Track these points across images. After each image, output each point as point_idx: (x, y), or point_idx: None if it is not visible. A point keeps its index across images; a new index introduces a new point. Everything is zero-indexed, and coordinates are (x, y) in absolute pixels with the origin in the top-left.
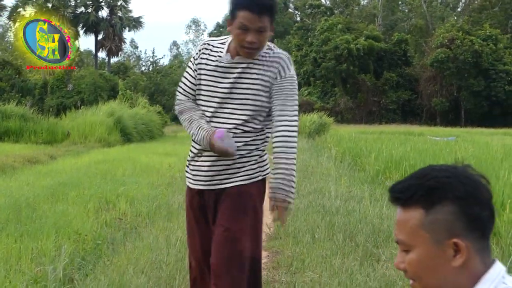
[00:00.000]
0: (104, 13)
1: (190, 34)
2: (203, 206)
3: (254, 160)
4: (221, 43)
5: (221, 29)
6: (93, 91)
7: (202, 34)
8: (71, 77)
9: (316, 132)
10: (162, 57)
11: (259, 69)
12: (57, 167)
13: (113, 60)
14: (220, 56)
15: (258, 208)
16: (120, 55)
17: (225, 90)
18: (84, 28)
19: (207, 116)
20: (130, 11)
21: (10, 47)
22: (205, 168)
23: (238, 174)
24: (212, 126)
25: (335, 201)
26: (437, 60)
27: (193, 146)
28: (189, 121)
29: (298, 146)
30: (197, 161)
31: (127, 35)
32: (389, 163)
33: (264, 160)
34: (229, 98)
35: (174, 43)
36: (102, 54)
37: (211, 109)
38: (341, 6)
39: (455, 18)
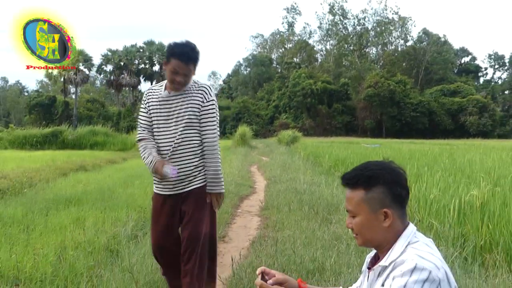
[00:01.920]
0: (156, 67)
1: (211, 81)
2: (170, 206)
3: (202, 167)
4: (160, 86)
5: (230, 77)
6: None
7: (219, 80)
8: (136, 108)
9: (291, 141)
10: None
11: (190, 97)
12: (128, 165)
13: None
14: (160, 93)
15: (208, 201)
16: None
17: (170, 116)
18: (144, 78)
19: (160, 136)
20: None
21: (97, 88)
22: (173, 178)
23: (195, 180)
24: (166, 142)
25: (303, 185)
26: (367, 96)
27: None
28: (143, 148)
29: (279, 150)
30: None
31: None
32: (337, 161)
33: (204, 169)
34: (173, 120)
35: None
36: None
37: (163, 133)
38: (305, 63)
39: (377, 69)
